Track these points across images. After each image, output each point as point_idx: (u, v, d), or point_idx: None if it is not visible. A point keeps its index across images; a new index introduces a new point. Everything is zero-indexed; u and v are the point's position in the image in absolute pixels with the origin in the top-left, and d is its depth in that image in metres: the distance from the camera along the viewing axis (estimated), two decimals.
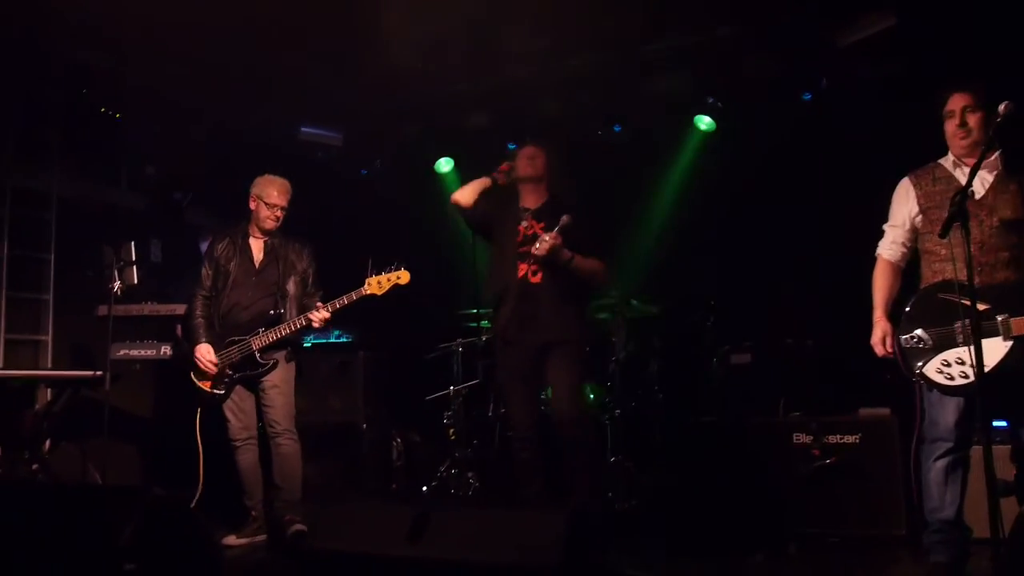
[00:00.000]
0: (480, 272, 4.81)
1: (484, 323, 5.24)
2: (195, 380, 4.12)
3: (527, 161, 3.92)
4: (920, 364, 2.84)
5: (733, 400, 4.52)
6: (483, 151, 6.23)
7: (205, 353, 4.07)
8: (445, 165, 6.47)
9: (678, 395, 4.77)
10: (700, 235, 5.45)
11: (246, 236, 4.25)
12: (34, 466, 4.79)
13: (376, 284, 3.83)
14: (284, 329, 3.99)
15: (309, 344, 5.63)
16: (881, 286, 3.11)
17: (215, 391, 4.08)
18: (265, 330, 4.01)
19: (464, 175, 6.41)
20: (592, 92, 5.75)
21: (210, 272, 4.23)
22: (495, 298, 3.85)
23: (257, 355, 4.03)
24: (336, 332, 5.79)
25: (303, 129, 6.27)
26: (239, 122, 6.04)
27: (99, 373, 4.70)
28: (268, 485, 4.06)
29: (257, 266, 4.19)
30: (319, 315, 3.92)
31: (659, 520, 4.06)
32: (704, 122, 5.65)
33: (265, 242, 4.23)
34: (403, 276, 3.86)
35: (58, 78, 5.51)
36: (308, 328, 4.06)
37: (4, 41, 5.05)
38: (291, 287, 4.14)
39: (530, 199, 3.95)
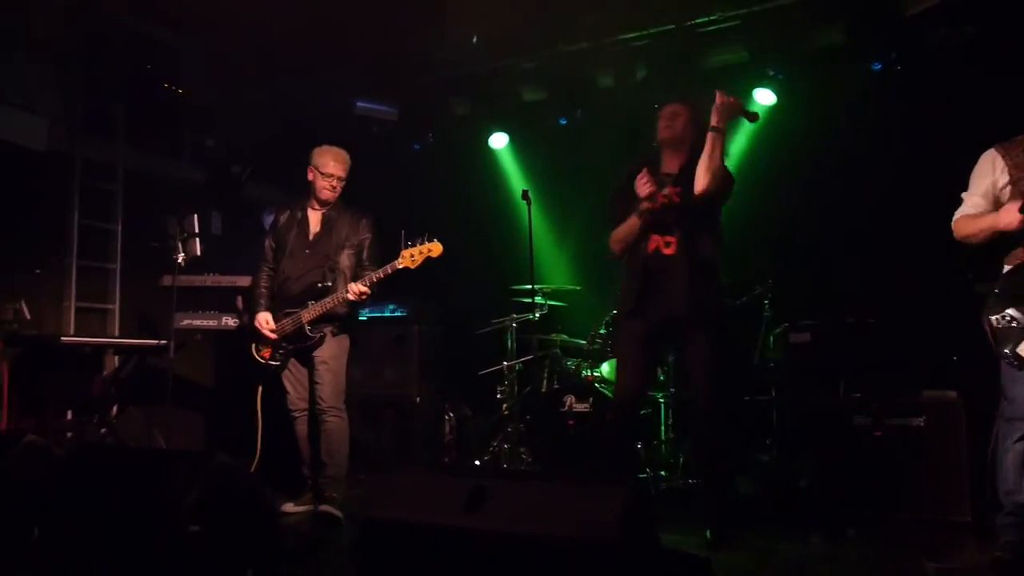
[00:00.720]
0: (535, 248, 4.83)
1: (538, 299, 5.20)
2: (254, 351, 4.15)
3: (667, 122, 3.57)
4: (1012, 345, 2.75)
5: (791, 380, 4.41)
6: (537, 125, 6.26)
7: (263, 321, 4.10)
8: (499, 140, 6.42)
9: (734, 374, 4.67)
10: (758, 211, 5.31)
11: (304, 208, 4.23)
12: (103, 430, 4.94)
13: (408, 257, 3.79)
14: (329, 302, 3.96)
15: (365, 317, 5.66)
16: (974, 216, 2.97)
17: (271, 362, 4.10)
18: (314, 303, 3.99)
19: (518, 150, 6.48)
20: (649, 65, 5.61)
21: (272, 244, 4.24)
22: (627, 274, 3.58)
23: (306, 328, 4.02)
24: (391, 306, 5.79)
25: (358, 103, 6.27)
26: (297, 96, 6.07)
27: (163, 342, 4.82)
28: (315, 460, 4.07)
29: (311, 238, 4.16)
30: (356, 288, 3.88)
31: (712, 500, 3.97)
32: (763, 95, 5.45)
33: (323, 214, 4.20)
34: (435, 248, 3.78)
35: (122, 53, 5.61)
36: (355, 302, 4.00)
37: (71, 17, 5.15)
38: (344, 259, 4.10)
39: (671, 162, 3.61)
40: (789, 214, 5.20)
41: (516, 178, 6.41)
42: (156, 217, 5.30)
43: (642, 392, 3.61)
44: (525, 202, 5.02)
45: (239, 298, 5.16)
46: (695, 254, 3.44)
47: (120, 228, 5.77)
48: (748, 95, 5.42)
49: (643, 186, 3.46)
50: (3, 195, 5.10)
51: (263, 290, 4.19)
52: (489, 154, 6.48)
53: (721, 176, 3.40)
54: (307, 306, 4.02)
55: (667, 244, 3.47)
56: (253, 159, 6.41)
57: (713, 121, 3.35)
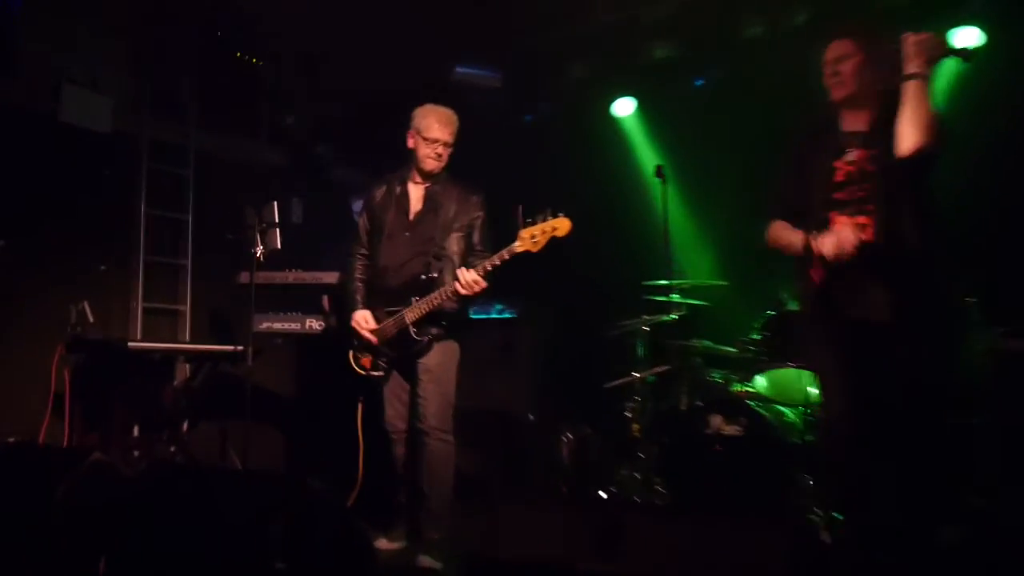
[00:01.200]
0: (671, 235, 4.70)
1: (674, 296, 5.06)
2: (352, 360, 4.15)
3: (831, 70, 3.23)
4: None
5: (1007, 399, 4.08)
6: (670, 88, 6.14)
7: (361, 320, 4.08)
8: (625, 107, 6.33)
9: (932, 390, 4.36)
10: (958, 183, 4.96)
11: (404, 181, 4.19)
12: (172, 448, 5.08)
13: (529, 238, 3.65)
14: (436, 298, 3.88)
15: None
16: None
17: (372, 372, 4.09)
18: (418, 299, 3.95)
19: (648, 118, 6.35)
20: (812, 6, 5.38)
21: (367, 225, 4.23)
22: (801, 266, 3.35)
23: (411, 330, 3.98)
24: (498, 306, 5.76)
25: (458, 69, 6.28)
26: (387, 65, 6.12)
27: (240, 348, 4.90)
28: (413, 489, 4.03)
29: (412, 217, 4.12)
30: (467, 277, 3.76)
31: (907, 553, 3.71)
32: (965, 35, 5.00)
33: (426, 188, 4.15)
34: (560, 225, 3.62)
35: (190, 21, 5.81)
36: (466, 297, 3.89)
37: None
38: (452, 243, 4.05)
39: (854, 119, 3.29)
40: (1001, 188, 4.82)
41: (646, 152, 6.32)
42: (231, 205, 5.42)
43: (856, 412, 3.17)
44: (659, 180, 4.91)
45: (324, 297, 5.22)
46: (900, 238, 3.11)
47: (191, 218, 5.96)
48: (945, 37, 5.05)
49: (832, 244, 3.16)
50: (64, 183, 5.33)
51: (358, 284, 4.20)
52: (613, 124, 6.41)
53: (936, 129, 3.05)
54: (411, 303, 3.97)
55: (860, 227, 3.17)
56: (339, 138, 6.51)
57: (911, 67, 3.05)
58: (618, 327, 5.28)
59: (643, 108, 6.34)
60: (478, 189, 4.18)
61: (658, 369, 5.15)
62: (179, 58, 5.93)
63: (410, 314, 3.96)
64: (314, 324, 5.15)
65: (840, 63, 3.23)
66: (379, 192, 4.23)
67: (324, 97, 6.42)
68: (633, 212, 5.91)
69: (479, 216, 4.11)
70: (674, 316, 5.03)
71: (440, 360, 4.01)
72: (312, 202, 6.50)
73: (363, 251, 4.23)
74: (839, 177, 3.25)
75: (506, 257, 3.74)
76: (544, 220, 3.66)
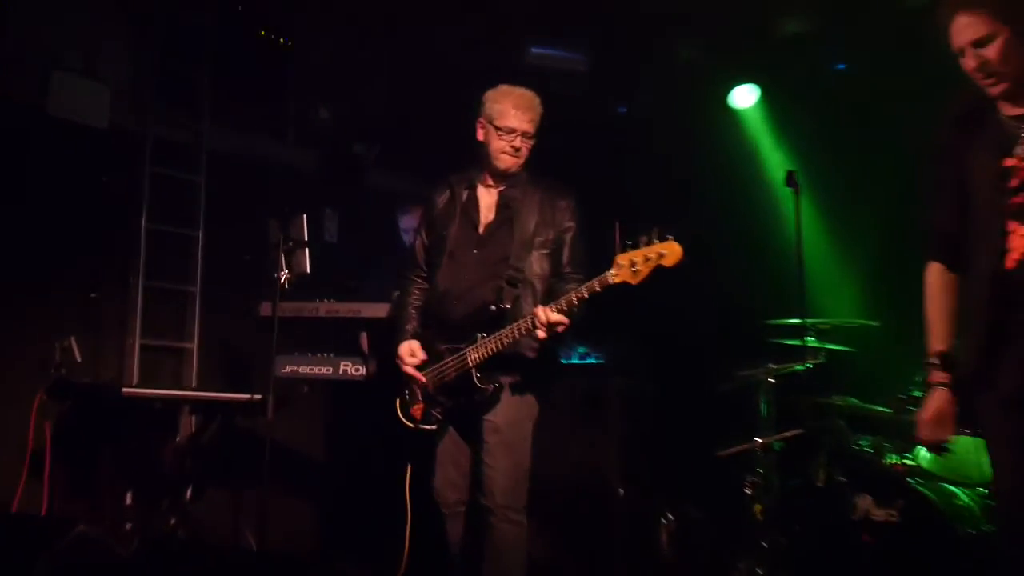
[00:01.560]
0: (805, 262, 4.61)
1: (809, 340, 4.98)
2: (400, 409, 4.14)
3: (973, 54, 3.04)
4: None
5: None
6: (803, 73, 6.11)
7: (406, 352, 4.08)
8: (745, 96, 6.31)
9: None
10: None
11: (472, 185, 4.20)
12: (172, 520, 5.11)
13: (628, 266, 3.58)
14: (507, 336, 3.84)
15: None
16: None
17: (424, 425, 4.05)
18: (485, 336, 3.91)
19: (776, 110, 6.32)
20: None
21: (425, 241, 4.25)
22: (967, 301, 3.24)
23: (475, 375, 3.94)
24: (580, 349, 5.75)
25: (533, 50, 6.31)
26: (443, 44, 6.19)
27: (259, 397, 4.94)
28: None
29: (482, 230, 4.12)
30: (543, 317, 3.72)
31: None
32: None
33: (500, 192, 4.16)
34: (669, 251, 3.54)
35: None
36: (539, 339, 3.84)
37: None
38: (532, 264, 4.02)
39: (1019, 101, 3.11)
40: None
41: (773, 154, 6.27)
42: (251, 219, 5.49)
43: None
44: (790, 190, 4.84)
45: (363, 335, 5.25)
46: None
47: (202, 235, 6.05)
48: None
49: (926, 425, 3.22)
50: (51, 189, 5.46)
51: (411, 312, 4.23)
52: (730, 118, 6.40)
53: None
54: (476, 340, 3.94)
55: None
56: (382, 135, 6.59)
57: None
58: (735, 378, 5.21)
59: (769, 98, 6.31)
60: (568, 192, 4.18)
61: (787, 434, 5.06)
62: (190, 39, 6.09)
63: (474, 354, 3.93)
64: (350, 368, 5.15)
65: (983, 47, 3.03)
66: (441, 198, 4.25)
67: (366, 85, 6.48)
68: (756, 231, 5.88)
69: (569, 227, 4.10)
70: (809, 365, 4.94)
71: (513, 417, 3.98)
72: (349, 216, 6.58)
73: (420, 273, 4.26)
74: (1013, 182, 3.05)
75: (597, 290, 3.69)
76: (648, 244, 3.59)
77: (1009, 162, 3.04)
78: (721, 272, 5.94)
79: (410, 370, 4.07)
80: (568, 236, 4.08)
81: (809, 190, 5.13)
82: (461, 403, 4.02)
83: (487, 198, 4.18)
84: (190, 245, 6.05)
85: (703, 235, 5.56)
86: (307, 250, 4.91)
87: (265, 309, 5.13)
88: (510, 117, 4.07)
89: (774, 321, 5.12)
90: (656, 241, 3.59)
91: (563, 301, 3.75)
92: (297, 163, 6.57)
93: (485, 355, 3.91)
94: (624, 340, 5.79)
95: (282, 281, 4.87)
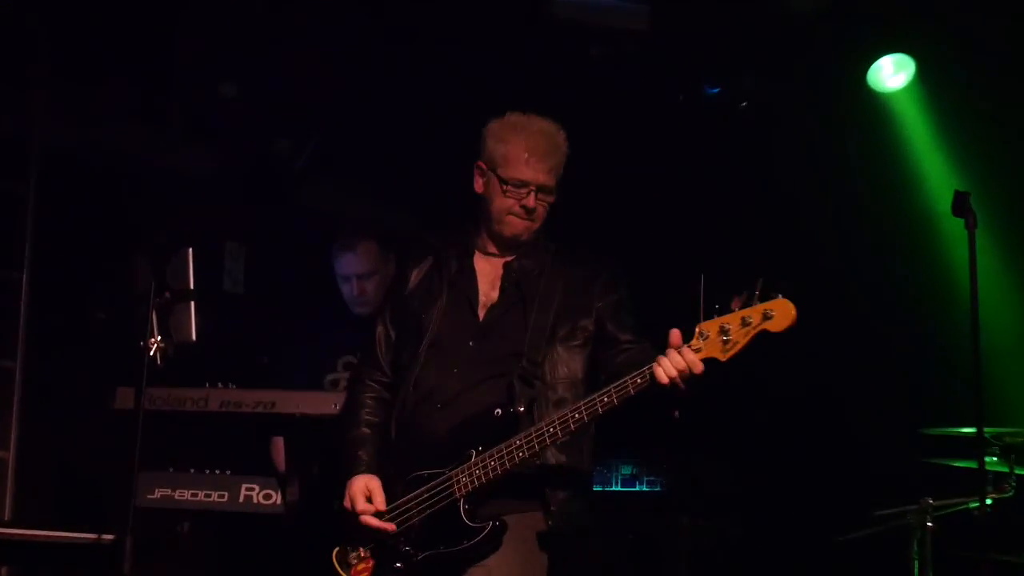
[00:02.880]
0: (983, 334, 4.59)
1: (991, 460, 4.95)
2: (338, 565, 4.13)
3: None
4: None
5: None
6: (984, 38, 6.11)
7: (360, 495, 4.10)
8: (892, 75, 6.33)
9: None
10: None
11: (467, 251, 4.35)
12: None
13: (716, 335, 3.67)
14: (517, 450, 3.91)
15: None
16: None
17: None
18: (481, 452, 3.98)
19: (940, 98, 6.33)
20: None
21: (390, 329, 4.37)
22: None
23: (463, 508, 4.00)
24: (625, 469, 5.78)
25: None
26: None
27: (110, 538, 4.90)
28: None
29: (483, 315, 4.25)
30: (677, 360, 3.71)
31: None
32: None
33: (507, 264, 4.30)
34: (778, 311, 3.61)
35: None
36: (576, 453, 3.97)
37: None
38: (557, 362, 4.14)
39: None
40: None
41: (934, 163, 6.28)
42: (107, 256, 5.51)
43: None
44: (960, 219, 4.83)
45: (277, 443, 5.21)
46: None
47: (26, 278, 6.02)
48: None
49: None
50: None
51: (364, 432, 4.29)
52: (868, 107, 6.44)
53: None
54: (468, 458, 4.01)
55: None
56: (318, 126, 6.62)
57: None
58: (872, 521, 5.21)
59: (930, 76, 6.33)
60: (606, 264, 4.33)
61: None
62: None
63: (465, 477, 3.99)
64: (257, 495, 5.16)
65: None
66: (418, 270, 4.40)
67: (293, 47, 6.48)
68: (907, 283, 5.96)
69: (612, 300, 4.22)
70: (990, 501, 4.90)
71: (516, 570, 4.02)
72: (264, 253, 6.60)
73: (380, 377, 4.37)
74: None
75: (662, 379, 3.72)
76: (748, 303, 3.65)
77: None
78: (852, 350, 6.01)
79: (368, 520, 4.06)
80: (610, 307, 4.18)
81: (991, 221, 5.10)
82: (438, 554, 4.02)
83: (488, 271, 4.30)
84: (7, 293, 6.02)
85: (826, 289, 5.58)
86: (193, 305, 4.90)
87: (124, 399, 5.09)
88: (521, 165, 4.18)
89: (934, 430, 5.13)
90: (758, 299, 3.62)
91: (601, 397, 3.77)
92: (184, 169, 6.59)
93: (483, 478, 3.94)
94: (695, 455, 5.82)
95: (153, 354, 4.83)
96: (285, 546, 4.46)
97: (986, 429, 4.78)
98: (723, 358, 3.65)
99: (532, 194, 4.16)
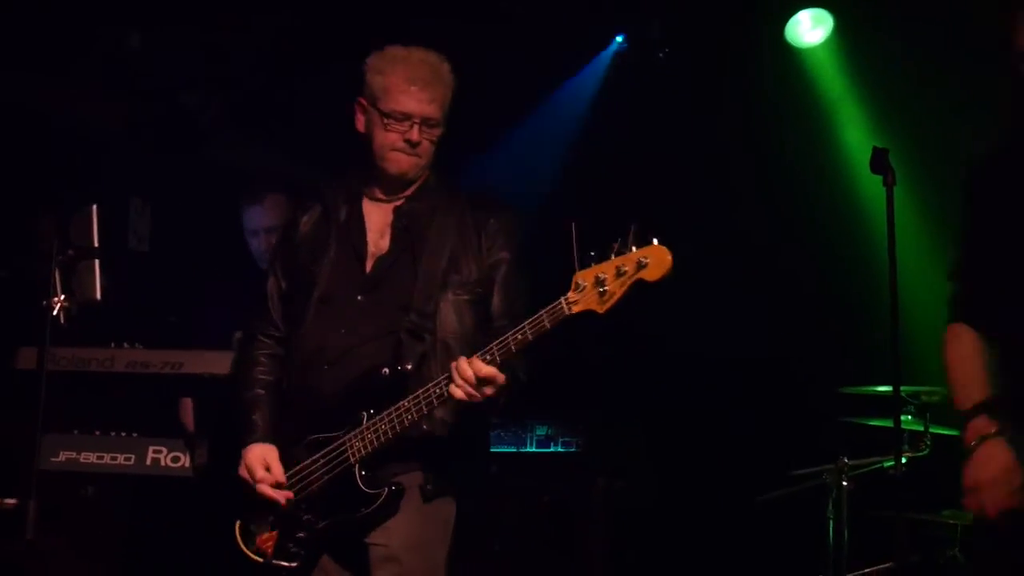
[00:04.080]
0: (900, 294, 4.62)
1: (907, 419, 5.09)
2: (240, 538, 4.14)
3: None
4: None
5: None
6: (887, 1, 6.21)
7: (258, 464, 4.10)
8: (810, 30, 6.39)
9: None
10: None
11: (355, 196, 4.33)
12: None
13: (593, 286, 3.62)
14: (409, 413, 3.93)
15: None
16: None
17: (278, 562, 4.07)
18: (372, 414, 3.99)
19: (859, 52, 6.35)
20: None
21: (281, 281, 4.34)
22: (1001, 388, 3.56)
23: (358, 474, 4.01)
24: (540, 430, 5.79)
25: None
26: None
27: (12, 502, 4.83)
28: None
29: (370, 266, 4.23)
30: (465, 370, 3.78)
31: None
32: None
33: (397, 208, 4.28)
34: (652, 258, 3.55)
35: None
36: (464, 413, 3.97)
37: None
38: (447, 312, 4.14)
39: None
40: None
41: (851, 120, 6.36)
42: (7, 211, 5.45)
43: None
44: (878, 177, 4.85)
45: (185, 403, 5.23)
46: None
47: None
48: None
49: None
50: None
51: (258, 393, 4.27)
52: (786, 62, 6.50)
53: None
54: (360, 421, 4.01)
55: None
56: (227, 78, 6.57)
57: None
58: (788, 481, 5.28)
59: (846, 32, 6.38)
60: (502, 207, 4.34)
61: (874, 568, 5.14)
62: None
63: (357, 442, 4.01)
64: (164, 457, 5.14)
65: None
66: (306, 217, 4.39)
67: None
68: (824, 241, 6.02)
69: (501, 259, 4.21)
70: (905, 460, 5.01)
71: (417, 537, 4.05)
72: (171, 209, 6.55)
73: (272, 331, 4.35)
74: None
75: (547, 327, 3.73)
76: (622, 251, 3.61)
77: None
78: (770, 308, 6.07)
79: (266, 490, 4.06)
80: (500, 272, 4.17)
81: (909, 178, 5.11)
82: (337, 521, 4.04)
83: (377, 217, 4.28)
84: None
85: (743, 247, 5.58)
86: (98, 263, 4.84)
87: (26, 359, 5.04)
88: (401, 96, 4.15)
89: (850, 389, 5.19)
90: (633, 247, 3.59)
91: (495, 348, 3.77)
92: (89, 123, 6.52)
93: (375, 443, 3.96)
94: (610, 416, 5.85)
95: (56, 313, 4.78)
96: (194, 510, 4.38)
97: (902, 388, 4.84)
98: (601, 310, 3.63)
99: (415, 127, 4.15)
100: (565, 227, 3.68)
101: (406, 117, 4.14)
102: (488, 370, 3.77)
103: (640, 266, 3.53)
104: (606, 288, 3.58)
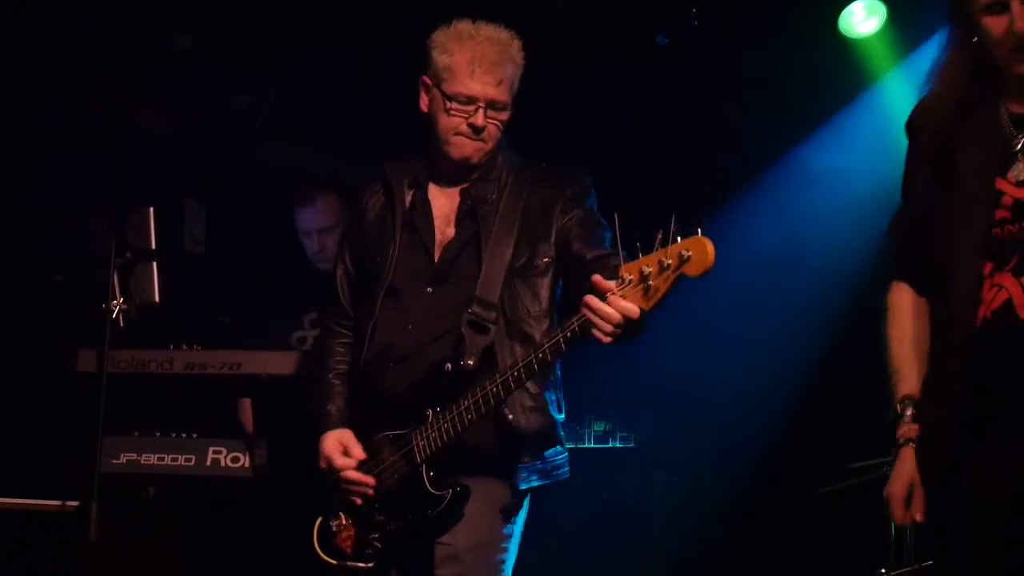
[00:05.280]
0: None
1: None
2: (317, 539, 4.13)
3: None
4: None
5: None
6: None
7: (335, 449, 4.09)
8: (863, 20, 6.34)
9: None
10: None
11: (420, 183, 4.26)
12: None
13: (637, 281, 3.49)
14: (467, 410, 3.88)
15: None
16: None
17: (354, 564, 4.04)
18: (437, 413, 3.95)
19: (902, 39, 6.35)
20: None
21: (350, 269, 4.32)
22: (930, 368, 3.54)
23: (425, 475, 3.97)
24: (599, 424, 5.80)
25: None
26: None
27: (74, 504, 4.88)
28: None
29: (439, 256, 4.17)
30: (603, 310, 3.53)
31: None
32: None
33: (463, 192, 4.21)
34: (695, 251, 3.36)
35: None
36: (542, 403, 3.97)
37: None
38: (517, 297, 4.07)
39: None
40: None
41: (906, 110, 6.25)
42: (62, 214, 5.44)
43: None
44: None
45: (245, 404, 5.26)
46: None
47: None
48: None
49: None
50: None
51: (335, 382, 4.27)
52: (839, 54, 6.45)
53: None
54: (426, 419, 3.98)
55: None
56: (279, 79, 6.59)
57: None
58: (849, 473, 5.27)
59: (900, 23, 6.32)
60: (572, 176, 4.23)
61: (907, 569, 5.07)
62: None
63: (423, 442, 3.97)
64: (224, 458, 5.11)
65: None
66: (372, 202, 4.34)
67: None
68: (883, 231, 5.89)
69: (575, 216, 4.11)
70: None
71: (479, 537, 4.02)
72: (226, 211, 6.58)
73: (344, 322, 4.33)
74: (1004, 207, 3.36)
75: (576, 331, 3.64)
76: (664, 244, 3.46)
77: (1001, 183, 3.38)
78: (826, 300, 6.03)
79: (350, 474, 4.03)
80: (574, 224, 4.08)
81: None
82: (407, 524, 4.01)
83: (444, 203, 4.22)
84: None
85: (798, 243, 5.56)
86: (155, 265, 4.88)
87: (85, 361, 5.06)
88: (466, 78, 4.07)
89: None
90: (672, 240, 3.48)
91: (546, 341, 3.72)
92: (142, 127, 6.53)
93: (439, 442, 3.92)
94: (668, 411, 5.83)
95: (115, 316, 4.82)
96: (254, 510, 4.41)
97: None
98: (647, 307, 3.51)
99: (480, 111, 4.08)
100: (609, 219, 3.66)
101: (471, 101, 4.07)
102: (628, 305, 3.56)
103: (683, 259, 3.38)
104: (650, 283, 3.46)
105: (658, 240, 3.47)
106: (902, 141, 3.73)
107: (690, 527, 5.91)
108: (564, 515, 5.69)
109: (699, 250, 3.40)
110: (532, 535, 4.19)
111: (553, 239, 4.09)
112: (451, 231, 4.17)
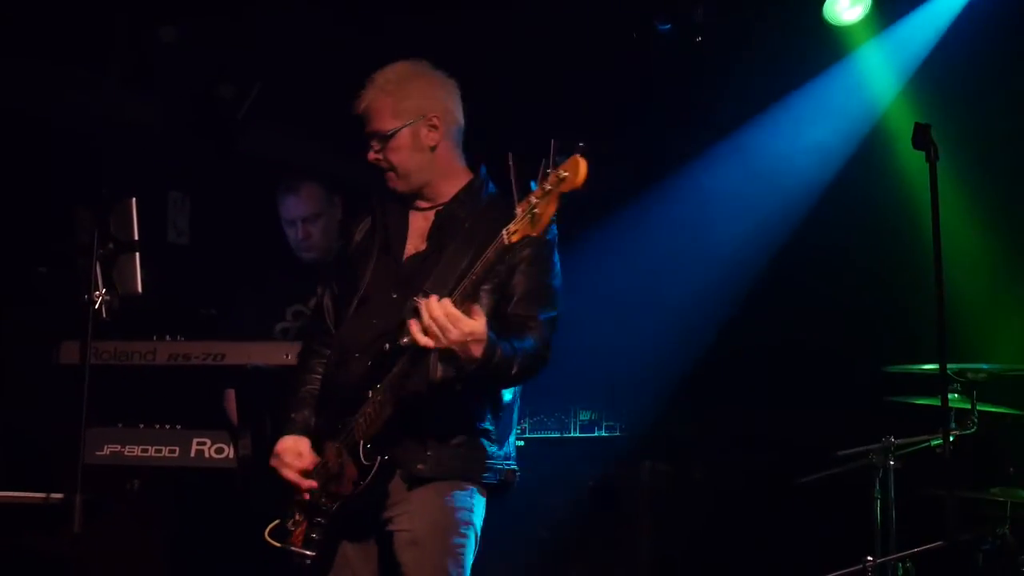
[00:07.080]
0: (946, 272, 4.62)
1: (954, 398, 5.05)
2: (268, 537, 4.17)
3: None
4: None
5: None
6: None
7: (289, 453, 4.14)
8: (848, 8, 6.30)
9: None
10: None
11: (404, 208, 4.35)
12: None
13: (524, 213, 3.62)
14: (405, 383, 3.95)
15: (521, 443, 5.58)
16: None
17: (297, 549, 4.09)
18: (377, 387, 4.00)
19: (900, 31, 6.31)
20: None
21: (335, 291, 4.38)
22: None
23: (362, 448, 4.01)
24: (584, 414, 5.80)
25: None
26: None
27: (58, 497, 4.89)
28: None
29: (407, 263, 4.28)
30: (433, 312, 3.74)
31: None
32: None
33: (437, 213, 4.30)
34: (570, 170, 3.53)
35: None
36: (479, 378, 3.90)
37: None
38: (460, 295, 4.02)
39: None
40: None
41: (893, 97, 6.31)
42: (45, 206, 5.47)
43: None
44: (921, 153, 4.85)
45: (229, 395, 5.23)
46: None
47: None
48: None
49: None
50: None
51: (305, 392, 4.33)
52: (827, 41, 6.45)
53: None
54: (367, 398, 4.04)
55: None
56: (263, 70, 6.60)
57: None
58: (833, 462, 5.26)
59: (886, 9, 6.32)
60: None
61: (923, 547, 5.09)
62: None
63: (361, 419, 4.05)
64: (208, 449, 5.15)
65: None
66: (360, 228, 4.44)
67: None
68: (867, 216, 5.98)
69: (526, 256, 4.13)
70: (952, 439, 4.89)
71: (435, 522, 4.08)
72: (210, 202, 6.57)
73: (326, 340, 4.38)
74: None
75: (491, 258, 3.78)
76: (546, 174, 3.61)
77: None
78: (814, 287, 6.04)
79: (290, 474, 4.10)
80: (522, 260, 4.12)
81: (953, 155, 5.09)
82: (348, 502, 4.05)
83: (420, 223, 4.32)
84: None
85: (784, 228, 5.62)
86: (138, 257, 4.89)
87: (68, 353, 5.08)
88: (452, 111, 4.25)
89: (895, 367, 5.18)
90: (553, 165, 3.58)
91: (457, 292, 3.83)
92: (125, 116, 6.52)
93: (374, 415, 3.98)
94: (655, 399, 5.84)
95: (97, 307, 4.83)
96: (238, 501, 4.42)
97: (948, 366, 4.81)
98: (535, 233, 3.65)
99: (371, 150, 4.22)
100: (504, 161, 3.74)
101: (369, 136, 4.27)
102: (450, 309, 3.76)
103: (560, 180, 3.54)
104: (536, 211, 3.60)
105: (541, 172, 3.61)
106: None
107: (676, 517, 5.90)
108: (549, 503, 5.67)
109: (573, 166, 3.54)
110: (519, 526, 4.20)
111: (508, 272, 4.14)
112: (422, 245, 4.24)
